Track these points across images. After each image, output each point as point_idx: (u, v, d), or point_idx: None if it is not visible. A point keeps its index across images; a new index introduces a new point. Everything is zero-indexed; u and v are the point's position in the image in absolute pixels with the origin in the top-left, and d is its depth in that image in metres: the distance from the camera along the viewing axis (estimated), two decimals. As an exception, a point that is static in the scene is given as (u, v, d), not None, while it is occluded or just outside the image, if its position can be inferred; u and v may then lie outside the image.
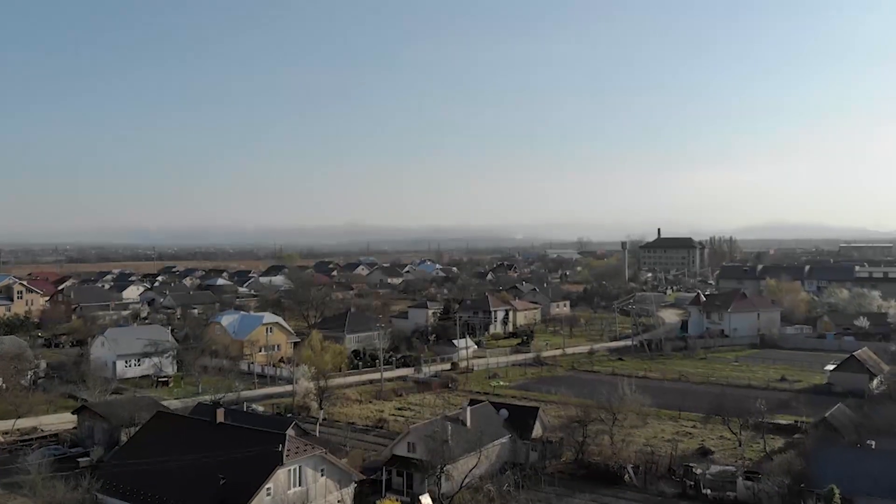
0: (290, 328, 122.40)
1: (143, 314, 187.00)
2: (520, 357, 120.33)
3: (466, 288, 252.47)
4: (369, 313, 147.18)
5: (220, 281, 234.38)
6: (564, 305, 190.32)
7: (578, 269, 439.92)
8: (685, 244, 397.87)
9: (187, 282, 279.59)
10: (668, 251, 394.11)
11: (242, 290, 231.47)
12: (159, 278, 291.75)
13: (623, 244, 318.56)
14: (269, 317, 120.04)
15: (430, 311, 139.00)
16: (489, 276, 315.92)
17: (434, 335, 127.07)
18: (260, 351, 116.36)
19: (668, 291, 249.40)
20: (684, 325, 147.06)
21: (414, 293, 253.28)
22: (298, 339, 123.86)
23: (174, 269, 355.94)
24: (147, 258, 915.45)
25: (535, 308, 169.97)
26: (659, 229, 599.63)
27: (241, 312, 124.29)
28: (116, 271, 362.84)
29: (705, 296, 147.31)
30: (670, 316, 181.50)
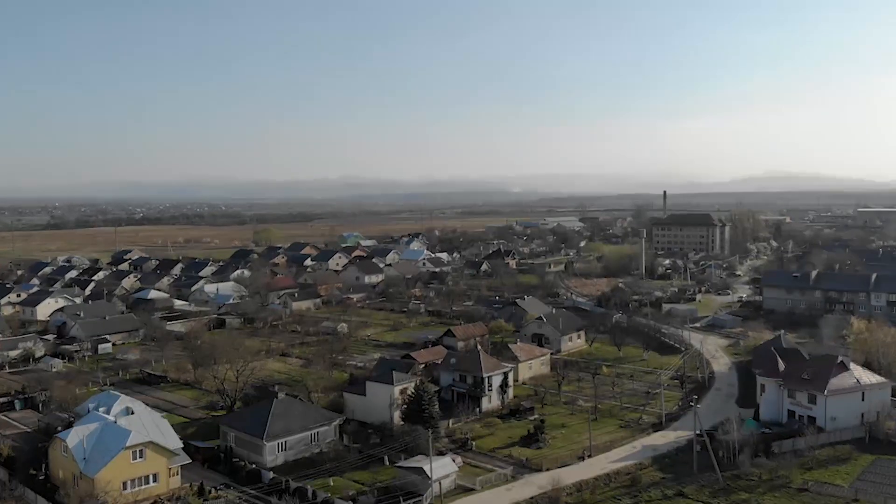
0: (173, 448, 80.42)
1: (38, 353, 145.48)
2: (526, 490, 78.92)
3: (455, 294, 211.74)
4: (311, 388, 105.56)
5: (153, 293, 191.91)
6: (578, 337, 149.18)
7: (582, 244, 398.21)
8: (704, 221, 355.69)
9: (127, 282, 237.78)
10: (685, 229, 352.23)
11: (180, 304, 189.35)
12: (97, 276, 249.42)
13: (640, 232, 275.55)
14: (137, 433, 77.81)
15: (398, 389, 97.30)
16: (484, 267, 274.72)
17: (401, 446, 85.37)
18: (123, 489, 75.09)
19: (698, 297, 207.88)
20: (755, 407, 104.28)
21: (394, 301, 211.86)
22: (189, 460, 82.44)
23: (126, 258, 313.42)
24: (130, 220, 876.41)
25: (543, 354, 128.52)
26: (665, 192, 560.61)
27: (106, 418, 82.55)
28: (62, 258, 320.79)
29: (784, 360, 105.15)
30: (717, 354, 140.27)
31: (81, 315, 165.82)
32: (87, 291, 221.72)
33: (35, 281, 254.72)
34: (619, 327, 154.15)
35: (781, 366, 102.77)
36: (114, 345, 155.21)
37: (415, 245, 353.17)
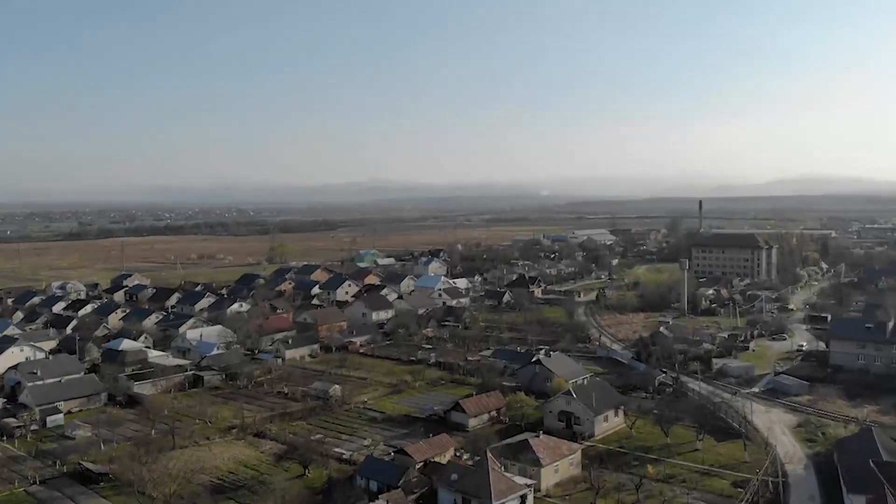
0: None
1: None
2: None
3: (471, 340, 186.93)
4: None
5: (126, 344, 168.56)
6: (616, 415, 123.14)
7: (615, 262, 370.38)
8: (748, 243, 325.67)
9: (113, 318, 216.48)
10: (727, 251, 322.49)
11: (156, 355, 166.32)
12: (83, 311, 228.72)
13: (681, 263, 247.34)
14: None
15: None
16: (506, 297, 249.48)
17: None
18: None
19: (751, 344, 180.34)
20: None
21: (401, 345, 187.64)
22: None
23: (125, 283, 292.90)
24: (153, 229, 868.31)
25: (573, 452, 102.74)
26: (700, 202, 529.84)
27: None
28: (56, 285, 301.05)
29: (885, 477, 79.13)
30: (786, 441, 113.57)
31: (38, 373, 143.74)
32: (69, 330, 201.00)
33: (19, 314, 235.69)
34: (665, 402, 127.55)
35: (891, 500, 76.14)
36: (69, 412, 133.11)
37: (433, 267, 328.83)
